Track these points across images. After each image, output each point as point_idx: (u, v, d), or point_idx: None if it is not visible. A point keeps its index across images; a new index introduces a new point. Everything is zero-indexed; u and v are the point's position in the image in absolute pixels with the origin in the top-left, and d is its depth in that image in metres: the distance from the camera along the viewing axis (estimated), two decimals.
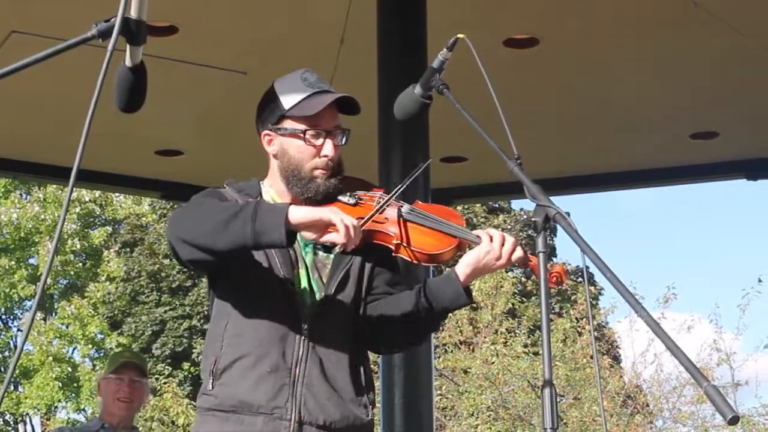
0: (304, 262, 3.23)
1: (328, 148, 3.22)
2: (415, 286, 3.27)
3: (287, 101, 3.23)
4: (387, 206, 3.20)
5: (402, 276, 3.42)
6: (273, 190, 3.31)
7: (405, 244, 3.17)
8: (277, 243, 2.94)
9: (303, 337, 3.15)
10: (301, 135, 3.22)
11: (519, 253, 3.14)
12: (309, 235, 2.98)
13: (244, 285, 3.19)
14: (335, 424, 3.15)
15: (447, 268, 3.27)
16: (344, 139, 3.28)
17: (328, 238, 2.97)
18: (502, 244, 3.12)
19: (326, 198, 3.23)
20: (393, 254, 3.21)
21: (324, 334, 3.17)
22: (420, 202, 3.31)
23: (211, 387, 3.14)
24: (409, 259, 3.20)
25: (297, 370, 3.12)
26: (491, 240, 3.12)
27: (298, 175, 3.22)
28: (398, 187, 3.25)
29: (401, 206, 3.23)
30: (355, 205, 3.25)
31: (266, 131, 3.28)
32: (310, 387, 3.12)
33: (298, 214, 2.93)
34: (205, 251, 3.02)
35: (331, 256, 3.25)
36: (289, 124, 3.24)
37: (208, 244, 3.00)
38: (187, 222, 3.07)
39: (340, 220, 2.93)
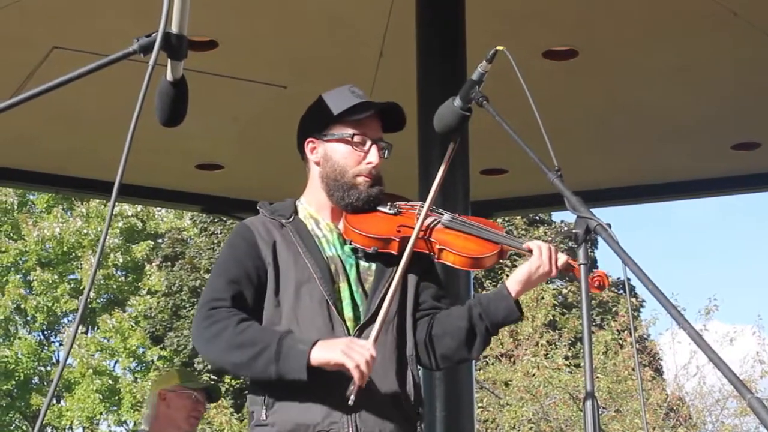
0: (347, 276, 3.23)
1: (373, 155, 3.26)
2: (467, 301, 3.28)
3: (337, 107, 3.27)
4: (428, 216, 3.22)
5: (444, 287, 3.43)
6: (311, 206, 3.33)
7: (448, 250, 3.19)
8: (300, 381, 3.04)
9: None
10: (349, 139, 3.25)
11: (563, 259, 3.16)
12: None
13: (285, 306, 3.18)
14: None
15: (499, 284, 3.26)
16: (387, 153, 3.30)
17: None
18: (550, 257, 3.14)
19: (366, 206, 3.26)
20: (436, 260, 3.23)
21: None
22: (459, 215, 3.33)
23: (265, 417, 3.13)
24: (452, 265, 3.22)
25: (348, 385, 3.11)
26: (540, 254, 3.14)
27: (341, 180, 3.25)
28: (434, 188, 3.26)
29: (442, 215, 3.26)
30: (396, 214, 3.28)
31: (310, 138, 3.31)
32: (363, 400, 3.10)
33: (318, 358, 3.01)
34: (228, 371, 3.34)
35: (373, 266, 3.26)
36: (337, 129, 3.27)
37: (231, 370, 3.27)
38: (210, 345, 3.14)
39: (355, 365, 2.98)
